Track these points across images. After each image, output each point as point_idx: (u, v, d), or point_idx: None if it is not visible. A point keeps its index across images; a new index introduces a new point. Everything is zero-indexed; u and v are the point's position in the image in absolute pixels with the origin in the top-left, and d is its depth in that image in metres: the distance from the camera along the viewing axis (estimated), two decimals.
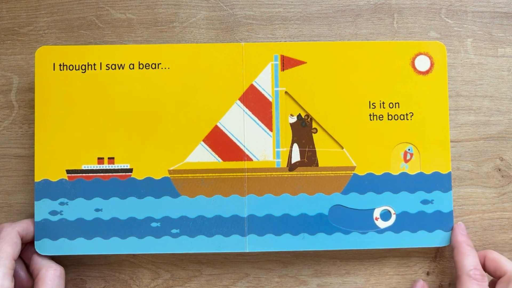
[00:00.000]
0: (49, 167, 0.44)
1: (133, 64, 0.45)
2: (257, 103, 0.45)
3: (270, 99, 0.45)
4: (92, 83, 0.45)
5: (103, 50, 0.45)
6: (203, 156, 0.45)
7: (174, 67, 0.45)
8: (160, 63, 0.45)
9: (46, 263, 0.43)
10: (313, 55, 0.46)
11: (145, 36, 0.48)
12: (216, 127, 0.45)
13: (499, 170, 0.47)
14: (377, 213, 0.45)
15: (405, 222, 0.45)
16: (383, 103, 0.45)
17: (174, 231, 0.44)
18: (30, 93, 0.48)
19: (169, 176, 0.44)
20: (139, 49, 0.45)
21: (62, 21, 0.48)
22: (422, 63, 0.46)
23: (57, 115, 0.44)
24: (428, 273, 0.47)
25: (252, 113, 0.45)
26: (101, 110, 0.45)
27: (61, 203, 0.44)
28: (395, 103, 0.45)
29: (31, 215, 0.46)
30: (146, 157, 0.44)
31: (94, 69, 0.45)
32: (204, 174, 0.44)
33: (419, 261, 0.47)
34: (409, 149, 0.45)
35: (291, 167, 0.45)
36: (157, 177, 0.44)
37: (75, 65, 0.45)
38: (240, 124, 0.45)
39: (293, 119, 0.46)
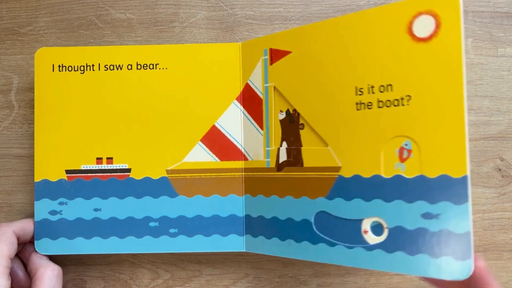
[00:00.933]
0: (49, 167, 0.44)
1: (131, 65, 0.45)
2: (251, 102, 0.44)
3: (261, 96, 0.44)
4: (91, 83, 0.45)
5: (101, 51, 0.45)
6: (200, 156, 0.44)
7: (172, 67, 0.45)
8: (158, 64, 0.45)
9: (44, 262, 0.43)
10: (296, 43, 0.40)
11: (145, 36, 0.48)
12: (214, 127, 0.45)
13: (499, 170, 0.47)
14: (366, 225, 0.36)
15: (400, 240, 0.35)
16: (372, 87, 0.36)
17: (172, 230, 0.44)
18: (30, 93, 0.48)
19: (167, 176, 0.44)
20: (137, 50, 0.45)
21: (62, 21, 0.49)
22: (423, 25, 0.34)
23: (56, 116, 0.45)
24: None
25: (247, 112, 0.45)
26: (99, 111, 0.45)
27: (61, 203, 0.44)
28: (387, 86, 0.36)
29: (30, 215, 0.46)
30: (144, 157, 0.44)
31: (93, 70, 0.45)
32: (201, 174, 0.44)
33: None
34: (406, 145, 0.35)
35: (279, 167, 0.42)
36: (155, 177, 0.44)
37: (74, 66, 0.45)
38: (237, 124, 0.45)
39: (282, 116, 0.42)
